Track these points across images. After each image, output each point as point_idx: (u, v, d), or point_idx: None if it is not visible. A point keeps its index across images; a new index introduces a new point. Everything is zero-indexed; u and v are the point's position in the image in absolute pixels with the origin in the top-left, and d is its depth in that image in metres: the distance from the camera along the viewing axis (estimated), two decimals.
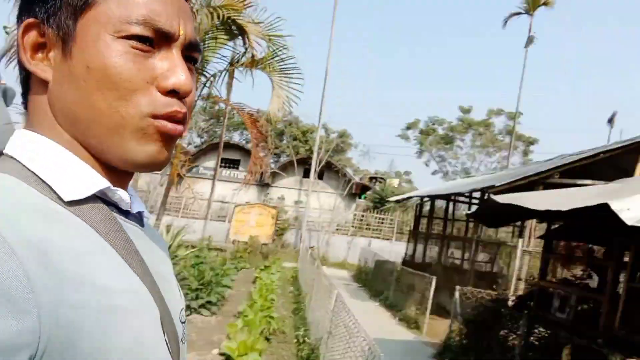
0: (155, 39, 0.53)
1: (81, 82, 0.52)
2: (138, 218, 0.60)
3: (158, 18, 0.53)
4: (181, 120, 0.55)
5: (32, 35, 0.53)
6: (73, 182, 0.51)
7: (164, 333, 0.52)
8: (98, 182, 0.52)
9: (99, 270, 0.47)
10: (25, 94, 0.56)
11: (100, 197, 0.53)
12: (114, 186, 0.54)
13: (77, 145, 0.53)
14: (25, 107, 0.56)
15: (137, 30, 0.52)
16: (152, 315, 0.51)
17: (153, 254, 0.59)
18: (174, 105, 0.54)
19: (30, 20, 0.52)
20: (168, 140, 0.55)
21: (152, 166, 0.56)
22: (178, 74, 0.53)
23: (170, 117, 0.54)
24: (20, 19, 0.54)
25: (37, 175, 0.50)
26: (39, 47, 0.53)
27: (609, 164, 8.64)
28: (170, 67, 0.54)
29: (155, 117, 0.53)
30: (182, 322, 0.61)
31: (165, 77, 0.53)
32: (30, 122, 0.55)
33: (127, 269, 0.51)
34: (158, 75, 0.53)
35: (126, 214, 0.57)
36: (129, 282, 0.50)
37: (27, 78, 0.55)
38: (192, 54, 0.58)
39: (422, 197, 14.65)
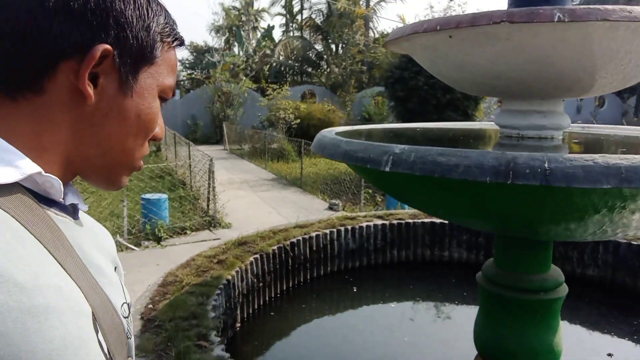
0: None
1: (127, 123, 0.57)
2: (71, 211, 0.57)
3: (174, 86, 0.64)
4: None
5: (107, 63, 0.53)
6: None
7: (97, 331, 0.49)
8: (28, 167, 0.49)
9: (19, 265, 0.42)
10: (20, 87, 0.50)
11: (26, 188, 0.50)
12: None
13: (55, 155, 0.53)
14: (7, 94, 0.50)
15: (170, 95, 0.63)
16: (80, 313, 0.47)
17: (89, 247, 0.56)
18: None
19: (108, 47, 0.52)
20: None
21: (112, 190, 0.65)
22: (162, 127, 0.64)
23: None
24: (90, 34, 0.51)
25: None
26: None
27: None
28: (160, 121, 0.63)
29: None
30: (125, 317, 0.59)
31: (158, 129, 0.63)
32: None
33: (52, 262, 0.46)
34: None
35: (58, 205, 0.54)
36: (54, 277, 0.45)
37: (39, 77, 0.50)
38: None
39: None
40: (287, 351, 2.96)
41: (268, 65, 24.44)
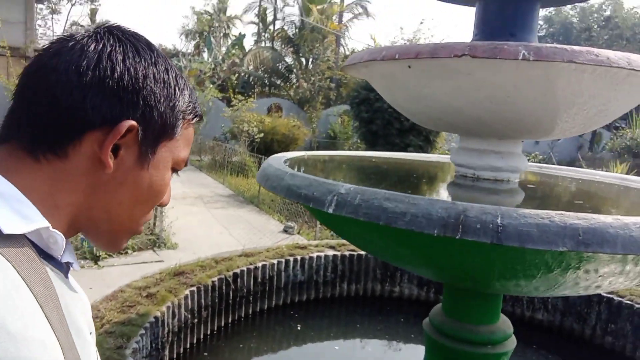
0: None
1: (139, 192, 0.58)
2: (65, 268, 0.57)
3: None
4: None
5: (130, 137, 0.55)
6: (10, 217, 0.48)
7: None
8: (38, 221, 0.50)
9: (13, 314, 0.42)
10: (45, 148, 0.53)
11: (29, 240, 0.50)
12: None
13: (63, 214, 0.55)
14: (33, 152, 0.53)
15: (182, 167, 0.64)
16: None
17: (74, 307, 0.56)
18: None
19: (134, 124, 0.54)
20: None
21: (112, 251, 0.76)
22: (170, 195, 0.65)
23: None
24: (120, 109, 0.54)
25: None
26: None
27: None
28: (168, 189, 0.64)
29: None
30: None
31: (165, 196, 0.64)
32: (27, 169, 0.53)
33: (41, 317, 0.46)
34: None
35: (54, 261, 0.55)
36: (40, 332, 0.45)
37: (64, 143, 0.53)
38: None
39: None
40: None
41: (236, 75, 24.04)
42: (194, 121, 0.64)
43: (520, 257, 1.56)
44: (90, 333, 0.62)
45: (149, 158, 0.57)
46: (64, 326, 0.50)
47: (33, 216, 0.50)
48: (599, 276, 1.64)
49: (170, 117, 0.58)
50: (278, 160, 2.23)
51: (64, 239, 0.53)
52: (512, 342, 2.34)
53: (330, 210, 1.67)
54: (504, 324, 2.39)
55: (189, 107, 0.62)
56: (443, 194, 2.31)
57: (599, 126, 2.19)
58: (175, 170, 0.63)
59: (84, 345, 0.56)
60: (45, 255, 0.52)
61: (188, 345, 3.16)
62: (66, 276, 0.57)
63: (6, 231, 0.46)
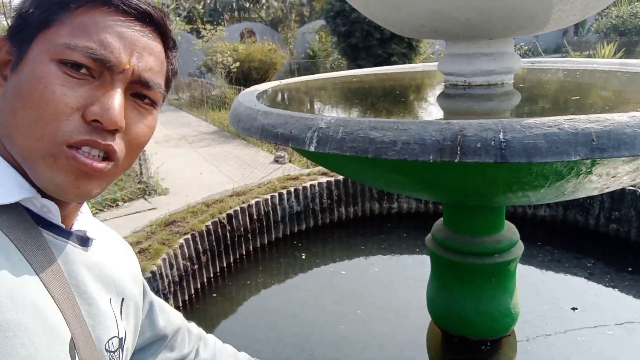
0: (96, 69, 0.52)
1: (12, 99, 0.51)
2: (75, 236, 0.56)
3: (102, 49, 0.52)
4: (107, 155, 0.53)
5: (2, 53, 0.52)
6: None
7: (73, 358, 0.48)
8: (22, 190, 0.49)
9: (0, 279, 0.42)
10: None
11: (27, 210, 0.50)
12: (57, 203, 0.53)
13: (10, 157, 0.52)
14: None
15: (75, 56, 0.51)
16: (55, 337, 0.46)
17: (84, 275, 0.55)
18: (92, 134, 0.51)
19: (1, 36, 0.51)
20: (83, 174, 0.51)
21: (64, 197, 0.53)
22: (104, 104, 0.51)
23: (87, 147, 0.51)
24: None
25: None
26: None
27: None
28: (101, 97, 0.52)
29: (71, 146, 0.51)
30: (111, 351, 0.57)
31: (91, 105, 0.51)
32: None
33: (36, 283, 0.46)
34: (87, 103, 0.51)
35: (58, 229, 0.53)
36: (34, 297, 0.45)
37: None
38: (143, 91, 0.57)
39: None
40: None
41: (202, 3, 22.71)
42: (96, 5, 0.52)
43: (527, 169, 1.44)
44: (123, 300, 0.62)
45: (20, 61, 0.51)
46: (66, 294, 0.49)
47: (17, 186, 0.49)
48: (612, 177, 1.54)
49: (36, 10, 0.51)
50: (249, 95, 2.04)
51: (57, 207, 0.52)
52: (519, 248, 2.30)
53: (312, 148, 1.52)
54: (509, 230, 2.34)
55: None
56: (435, 109, 2.14)
57: (599, 10, 1.98)
58: (72, 64, 0.50)
59: (96, 314, 0.55)
60: (48, 224, 0.52)
61: (193, 292, 3.13)
62: (83, 244, 0.56)
63: None
